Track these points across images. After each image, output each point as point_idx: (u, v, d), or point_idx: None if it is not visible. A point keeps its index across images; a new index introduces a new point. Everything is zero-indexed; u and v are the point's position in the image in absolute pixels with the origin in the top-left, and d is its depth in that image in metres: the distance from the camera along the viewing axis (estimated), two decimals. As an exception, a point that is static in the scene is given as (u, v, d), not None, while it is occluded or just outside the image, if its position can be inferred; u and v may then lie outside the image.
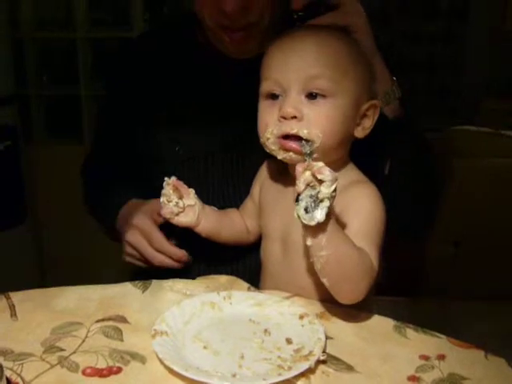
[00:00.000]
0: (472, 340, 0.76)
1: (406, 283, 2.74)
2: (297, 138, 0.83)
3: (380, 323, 0.83)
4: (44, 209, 2.67)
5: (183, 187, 0.93)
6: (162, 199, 0.93)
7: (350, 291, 0.79)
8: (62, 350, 0.73)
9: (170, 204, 0.92)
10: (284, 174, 0.94)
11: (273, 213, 0.95)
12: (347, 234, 0.79)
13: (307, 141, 0.82)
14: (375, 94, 0.93)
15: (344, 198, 0.82)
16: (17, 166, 2.42)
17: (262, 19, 1.01)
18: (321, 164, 0.70)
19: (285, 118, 0.84)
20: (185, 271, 1.01)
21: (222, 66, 1.09)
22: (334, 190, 0.69)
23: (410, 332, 0.80)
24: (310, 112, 0.84)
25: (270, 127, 0.85)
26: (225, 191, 1.08)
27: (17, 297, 0.86)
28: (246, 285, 0.92)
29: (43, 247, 2.71)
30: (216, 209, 1.01)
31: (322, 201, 0.69)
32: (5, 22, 2.34)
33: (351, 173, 0.92)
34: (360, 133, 0.90)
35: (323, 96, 0.84)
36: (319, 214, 0.69)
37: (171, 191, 0.92)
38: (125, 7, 2.60)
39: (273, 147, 0.85)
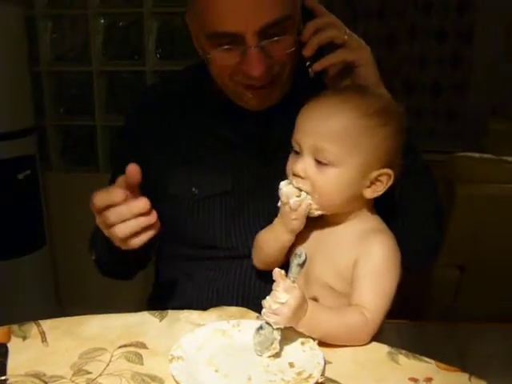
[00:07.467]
0: (476, 362, 0.82)
1: (412, 306, 2.79)
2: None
3: (375, 350, 0.89)
4: (61, 234, 2.77)
5: None
6: None
7: (353, 343, 0.90)
8: (89, 372, 0.81)
9: None
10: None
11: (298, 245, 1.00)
12: (356, 277, 0.91)
13: (302, 264, 0.85)
14: (393, 162, 0.94)
15: (361, 244, 0.93)
16: (36, 194, 2.52)
17: (283, 70, 1.05)
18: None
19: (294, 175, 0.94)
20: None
21: (232, 112, 1.13)
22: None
23: (402, 358, 0.87)
24: (315, 175, 0.92)
25: (289, 176, 0.95)
26: (236, 226, 1.12)
27: (46, 324, 0.94)
28: (255, 314, 0.98)
29: (60, 271, 2.80)
30: None
31: (272, 343, 0.84)
32: (25, 59, 2.45)
33: (370, 221, 0.98)
34: (369, 194, 0.95)
35: (329, 165, 0.92)
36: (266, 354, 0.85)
37: None
38: (138, 42, 2.70)
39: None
